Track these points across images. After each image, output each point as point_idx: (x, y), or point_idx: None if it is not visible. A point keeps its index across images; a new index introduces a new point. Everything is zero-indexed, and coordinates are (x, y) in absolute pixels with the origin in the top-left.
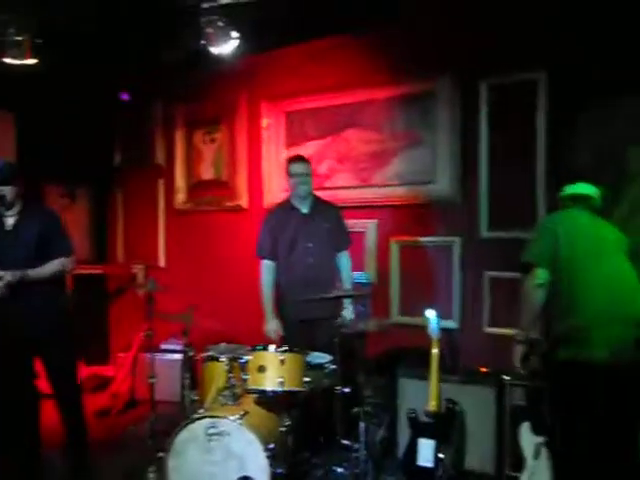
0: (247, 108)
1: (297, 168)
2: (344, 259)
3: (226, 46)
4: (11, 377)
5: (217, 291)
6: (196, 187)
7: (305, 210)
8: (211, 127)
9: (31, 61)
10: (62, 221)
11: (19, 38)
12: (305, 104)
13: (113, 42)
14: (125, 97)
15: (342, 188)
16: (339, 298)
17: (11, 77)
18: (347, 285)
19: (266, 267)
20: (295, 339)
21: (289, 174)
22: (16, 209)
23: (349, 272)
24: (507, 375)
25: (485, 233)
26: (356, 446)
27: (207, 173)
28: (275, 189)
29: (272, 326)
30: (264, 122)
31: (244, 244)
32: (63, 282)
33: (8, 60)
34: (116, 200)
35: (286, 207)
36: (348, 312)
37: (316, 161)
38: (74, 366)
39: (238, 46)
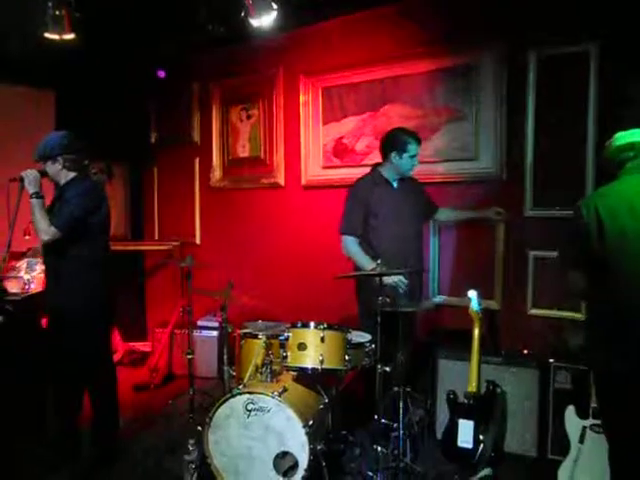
0: (284, 84)
1: (417, 148)
2: (441, 211)
3: (266, 18)
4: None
5: (252, 268)
6: (232, 164)
7: (396, 185)
8: (248, 104)
9: (70, 36)
10: (83, 198)
11: (58, 13)
12: (343, 79)
13: (151, 17)
14: (162, 74)
15: (378, 166)
16: (415, 273)
17: (51, 55)
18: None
19: (354, 243)
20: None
21: (404, 150)
22: (61, 185)
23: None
24: (551, 357)
25: (530, 211)
26: (395, 425)
27: (243, 150)
28: (312, 166)
29: (394, 278)
30: (302, 98)
31: (281, 221)
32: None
33: (48, 35)
34: (153, 178)
35: (378, 181)
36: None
37: (354, 137)
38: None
39: (276, 20)
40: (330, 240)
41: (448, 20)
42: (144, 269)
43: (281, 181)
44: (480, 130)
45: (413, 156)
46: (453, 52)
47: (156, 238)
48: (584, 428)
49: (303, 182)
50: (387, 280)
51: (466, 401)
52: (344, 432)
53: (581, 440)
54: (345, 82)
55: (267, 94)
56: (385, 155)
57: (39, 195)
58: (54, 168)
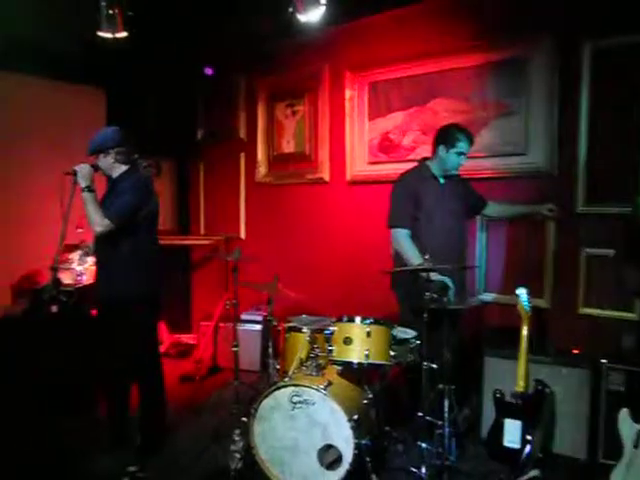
0: (330, 79)
1: (466, 147)
2: (491, 206)
3: (313, 13)
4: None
5: (296, 263)
6: (277, 160)
7: (442, 181)
8: (293, 99)
9: (122, 34)
10: (134, 190)
11: (111, 12)
12: (389, 74)
13: (199, 15)
14: (209, 71)
15: (427, 160)
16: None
17: (101, 54)
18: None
19: (406, 236)
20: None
21: (453, 146)
22: (113, 178)
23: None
24: (604, 358)
25: (582, 207)
26: (439, 423)
27: (288, 146)
28: (358, 161)
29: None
30: (347, 93)
31: (325, 217)
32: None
33: (101, 34)
34: (199, 173)
35: (425, 175)
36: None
37: (400, 133)
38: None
39: (323, 15)
40: (374, 236)
41: (497, 12)
42: (190, 263)
43: (326, 177)
44: (530, 124)
45: (461, 154)
46: (503, 45)
47: (202, 233)
48: (639, 432)
49: (348, 178)
50: (434, 276)
51: (513, 400)
52: (387, 428)
53: (636, 445)
54: (391, 77)
55: (313, 90)
56: (433, 148)
57: (91, 189)
58: (106, 161)
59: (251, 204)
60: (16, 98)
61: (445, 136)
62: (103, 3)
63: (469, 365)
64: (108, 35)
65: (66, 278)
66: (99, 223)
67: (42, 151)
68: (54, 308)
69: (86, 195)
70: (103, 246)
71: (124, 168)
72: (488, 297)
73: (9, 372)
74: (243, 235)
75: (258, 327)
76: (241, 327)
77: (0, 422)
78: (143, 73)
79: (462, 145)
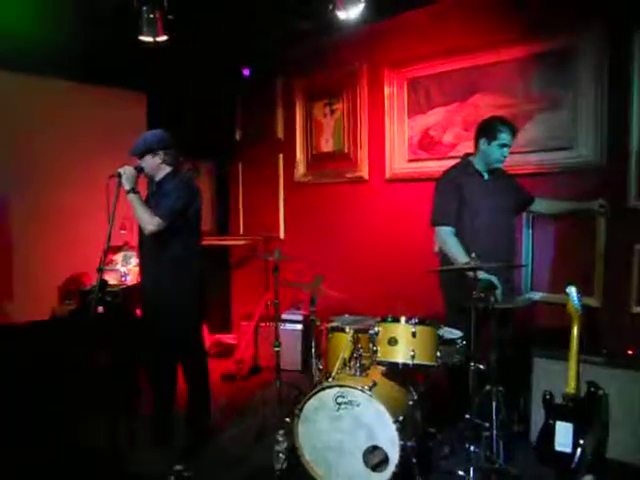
0: (368, 77)
1: (509, 138)
2: (538, 202)
3: (353, 10)
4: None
5: (336, 262)
6: (315, 159)
7: (486, 176)
8: (331, 98)
9: (163, 38)
10: (181, 190)
11: (152, 16)
12: (429, 69)
13: (235, 16)
14: (246, 73)
15: (469, 156)
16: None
17: (143, 59)
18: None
19: (451, 234)
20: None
21: (494, 138)
22: (157, 180)
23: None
24: None
25: (635, 201)
26: (487, 425)
27: (327, 145)
28: (397, 159)
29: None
30: (386, 90)
31: (364, 215)
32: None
33: (142, 38)
34: (237, 174)
35: (469, 171)
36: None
37: (441, 129)
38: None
39: (363, 11)
40: (414, 234)
41: (540, 1)
42: (229, 263)
43: (365, 175)
44: (578, 118)
45: (503, 145)
46: (548, 36)
47: (241, 233)
48: None
49: (387, 175)
50: (481, 275)
51: (564, 403)
52: (432, 430)
53: None
54: (432, 72)
55: (351, 88)
56: (475, 142)
57: (135, 190)
58: (153, 162)
59: (290, 204)
60: (64, 104)
61: (486, 128)
62: (144, 7)
63: (518, 366)
64: (149, 39)
65: (111, 279)
66: (150, 222)
67: (87, 154)
68: (100, 309)
69: (132, 197)
70: (152, 246)
71: (168, 170)
72: (535, 296)
73: (57, 371)
74: (282, 235)
75: (299, 327)
76: (282, 327)
77: (48, 420)
78: (182, 75)
79: (504, 137)
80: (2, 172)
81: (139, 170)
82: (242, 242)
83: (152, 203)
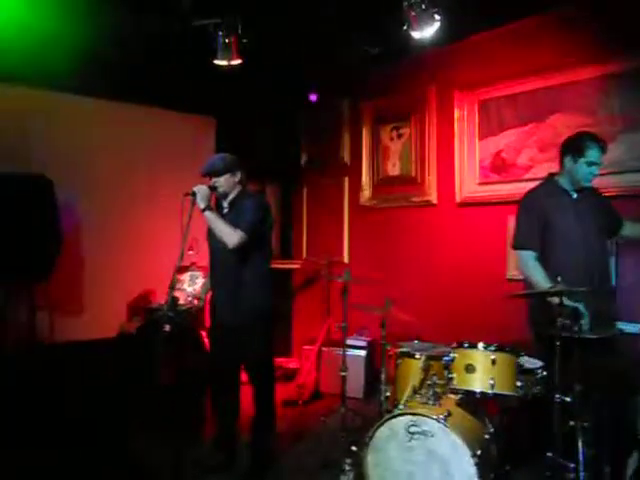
0: (437, 100)
1: (598, 156)
2: (629, 225)
3: (427, 30)
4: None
5: (402, 288)
6: (382, 183)
7: (575, 195)
8: (399, 122)
9: (237, 61)
10: (258, 206)
11: (228, 40)
12: (502, 91)
13: (303, 41)
14: (314, 98)
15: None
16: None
17: (213, 84)
18: None
19: (533, 258)
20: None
21: (581, 155)
22: (229, 198)
23: None
24: None
25: None
26: (571, 465)
27: (394, 169)
28: (467, 182)
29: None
30: (456, 113)
31: (433, 240)
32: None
33: (217, 62)
34: (302, 197)
35: (555, 190)
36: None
37: (514, 151)
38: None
39: (436, 32)
40: (486, 259)
41: (618, 20)
42: (291, 287)
43: (433, 199)
44: None
45: (592, 164)
46: (629, 53)
47: (304, 257)
48: None
49: (458, 199)
50: (566, 302)
51: None
52: (508, 467)
53: None
54: (504, 94)
55: (419, 111)
56: (560, 160)
57: (210, 208)
58: (231, 181)
59: (355, 228)
60: (140, 128)
61: (572, 145)
62: (220, 32)
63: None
64: (223, 62)
65: (179, 298)
66: (233, 234)
67: (158, 175)
68: (167, 327)
69: (208, 214)
70: (233, 265)
71: (239, 189)
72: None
73: (124, 387)
74: (347, 259)
75: (363, 353)
76: (346, 352)
77: (113, 438)
78: (250, 100)
79: (592, 153)
80: (76, 192)
81: (212, 189)
82: (304, 266)
83: (228, 220)
